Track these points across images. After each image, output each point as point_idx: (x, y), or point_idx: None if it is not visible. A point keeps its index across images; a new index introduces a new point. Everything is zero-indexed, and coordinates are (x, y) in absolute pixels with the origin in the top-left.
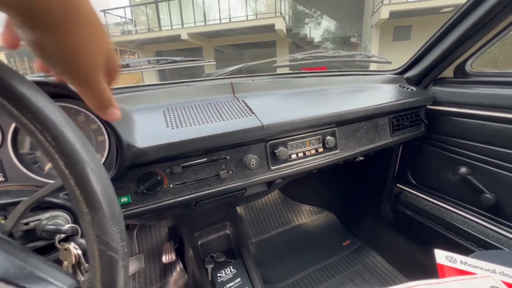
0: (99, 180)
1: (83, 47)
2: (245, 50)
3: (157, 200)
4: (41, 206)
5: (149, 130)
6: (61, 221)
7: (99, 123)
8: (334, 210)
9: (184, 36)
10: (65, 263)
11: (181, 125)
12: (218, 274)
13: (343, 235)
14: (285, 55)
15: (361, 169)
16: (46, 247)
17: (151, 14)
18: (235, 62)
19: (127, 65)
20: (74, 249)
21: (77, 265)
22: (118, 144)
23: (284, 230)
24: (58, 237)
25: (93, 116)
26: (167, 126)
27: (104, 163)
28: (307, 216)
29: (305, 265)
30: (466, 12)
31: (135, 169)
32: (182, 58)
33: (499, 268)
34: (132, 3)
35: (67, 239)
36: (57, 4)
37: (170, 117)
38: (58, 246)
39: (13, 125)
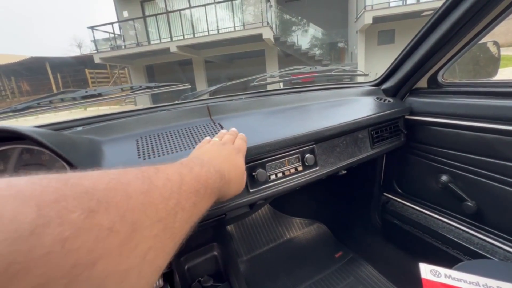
0: None
1: (234, 192)
2: (234, 60)
3: None
4: None
5: (119, 163)
6: None
7: (61, 161)
8: (325, 221)
9: (173, 49)
10: None
11: (154, 155)
12: None
13: (335, 247)
14: (273, 63)
15: (349, 179)
16: None
17: (139, 29)
18: (225, 72)
19: (99, 95)
20: None
21: None
22: None
23: (276, 245)
24: None
25: (54, 155)
26: (139, 157)
27: None
28: (298, 229)
29: (297, 281)
30: (433, 26)
31: None
32: (156, 84)
33: (482, 280)
34: (121, 19)
35: None
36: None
37: (143, 147)
38: None
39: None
